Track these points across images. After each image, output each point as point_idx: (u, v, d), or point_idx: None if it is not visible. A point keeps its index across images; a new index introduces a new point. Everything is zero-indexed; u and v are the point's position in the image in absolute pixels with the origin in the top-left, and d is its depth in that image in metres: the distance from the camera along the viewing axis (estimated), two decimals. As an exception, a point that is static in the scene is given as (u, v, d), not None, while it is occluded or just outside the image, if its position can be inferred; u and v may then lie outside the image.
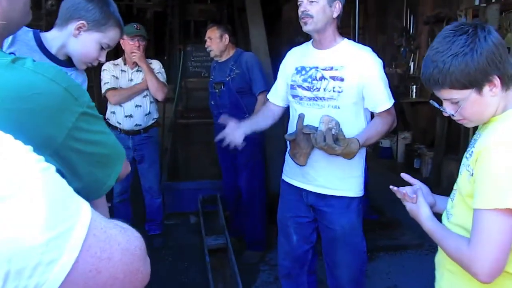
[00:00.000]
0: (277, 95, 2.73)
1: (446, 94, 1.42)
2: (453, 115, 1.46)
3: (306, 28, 2.36)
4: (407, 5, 7.74)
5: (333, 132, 2.17)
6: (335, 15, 2.36)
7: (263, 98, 3.91)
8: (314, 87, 2.41)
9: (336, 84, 2.35)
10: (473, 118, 1.46)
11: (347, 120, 2.33)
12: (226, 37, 3.97)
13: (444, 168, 6.10)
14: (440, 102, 1.52)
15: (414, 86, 7.09)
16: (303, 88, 2.45)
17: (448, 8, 6.62)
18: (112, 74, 3.98)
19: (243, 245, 4.20)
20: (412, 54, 7.59)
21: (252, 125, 2.72)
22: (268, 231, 4.24)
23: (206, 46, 4.05)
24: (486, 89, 1.38)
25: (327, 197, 2.47)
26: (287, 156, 2.58)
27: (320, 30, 2.37)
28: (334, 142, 2.15)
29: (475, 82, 1.37)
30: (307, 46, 2.55)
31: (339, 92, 2.34)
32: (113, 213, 4.07)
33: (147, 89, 3.98)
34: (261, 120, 2.79)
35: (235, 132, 2.60)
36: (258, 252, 4.14)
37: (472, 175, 1.40)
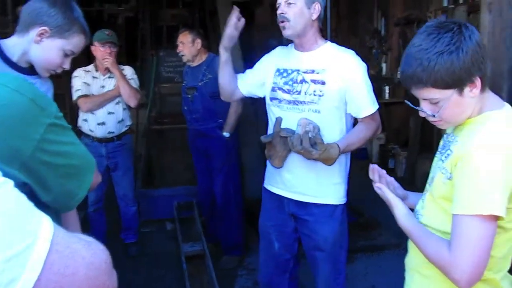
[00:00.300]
0: (244, 82, 2.63)
1: (427, 93, 1.38)
2: (432, 116, 1.42)
3: (285, 33, 2.29)
4: (378, 7, 7.82)
5: (310, 136, 2.11)
6: (314, 17, 2.29)
7: (237, 102, 3.90)
8: (294, 90, 2.34)
9: (317, 87, 2.28)
10: (451, 120, 1.43)
11: (328, 125, 2.27)
12: (198, 41, 3.95)
13: (418, 168, 6.17)
14: (415, 102, 1.49)
15: (387, 87, 7.15)
16: (283, 91, 2.39)
17: (418, 10, 6.72)
18: (83, 81, 3.90)
19: (220, 251, 4.17)
20: (384, 56, 7.68)
21: (225, 65, 2.66)
22: (246, 236, 4.23)
23: (178, 51, 4.02)
24: (467, 89, 1.36)
25: (308, 206, 2.40)
26: (267, 164, 2.52)
27: (300, 34, 2.30)
28: (311, 146, 2.09)
29: (459, 82, 1.34)
30: (290, 48, 2.48)
31: (319, 96, 2.27)
32: (88, 223, 4.01)
33: (120, 95, 3.91)
34: (227, 77, 2.70)
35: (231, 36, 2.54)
36: (235, 256, 4.12)
37: (449, 178, 1.39)
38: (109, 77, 3.95)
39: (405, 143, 6.78)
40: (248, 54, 6.40)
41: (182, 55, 4.01)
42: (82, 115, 3.94)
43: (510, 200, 1.32)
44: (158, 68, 6.94)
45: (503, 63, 2.31)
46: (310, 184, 2.37)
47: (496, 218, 1.29)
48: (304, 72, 2.34)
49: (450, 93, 1.35)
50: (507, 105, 1.45)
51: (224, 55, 2.59)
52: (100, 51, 3.83)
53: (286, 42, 4.73)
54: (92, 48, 3.82)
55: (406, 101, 1.56)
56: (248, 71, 2.68)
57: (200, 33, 4.07)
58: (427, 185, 1.57)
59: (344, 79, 2.26)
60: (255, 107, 4.23)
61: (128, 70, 4.06)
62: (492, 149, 1.30)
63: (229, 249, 4.13)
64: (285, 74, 2.41)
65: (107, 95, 3.90)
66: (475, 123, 1.40)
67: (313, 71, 2.32)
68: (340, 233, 2.45)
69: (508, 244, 1.43)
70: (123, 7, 7.71)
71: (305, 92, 2.31)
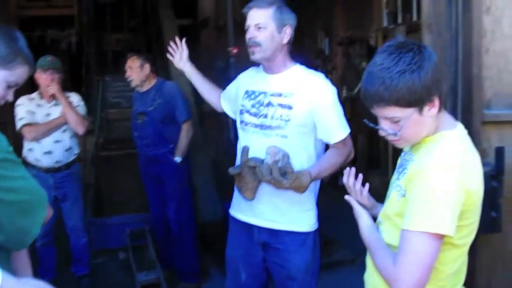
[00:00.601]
0: (225, 98, 2.63)
1: (388, 112, 1.39)
2: (393, 134, 1.43)
3: (254, 57, 2.23)
4: (321, 27, 8.01)
5: (279, 165, 2.04)
6: (285, 41, 2.26)
7: (187, 126, 3.88)
8: (261, 114, 2.27)
9: (283, 112, 2.20)
10: (410, 138, 1.45)
11: (295, 150, 2.19)
12: (147, 66, 3.92)
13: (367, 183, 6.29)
14: (374, 121, 1.50)
15: (333, 105, 7.30)
16: (250, 114, 2.31)
17: (360, 30, 6.93)
18: (27, 109, 3.75)
19: (176, 277, 4.08)
20: (329, 75, 7.85)
21: (198, 83, 2.68)
22: (201, 261, 4.17)
23: (126, 76, 3.98)
24: (426, 109, 1.38)
25: (279, 233, 2.30)
26: (235, 189, 2.41)
27: (270, 58, 2.25)
28: (281, 176, 2.01)
29: (420, 101, 1.36)
30: (259, 69, 2.41)
31: (286, 120, 2.19)
32: (37, 257, 3.84)
33: (66, 123, 3.79)
34: (206, 91, 2.71)
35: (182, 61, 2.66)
36: (192, 284, 4.05)
37: (403, 196, 1.42)
38: (55, 104, 3.83)
39: (354, 160, 6.90)
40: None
41: (131, 80, 3.97)
42: (27, 145, 3.78)
43: (461, 219, 1.36)
44: (104, 94, 6.81)
45: (444, 81, 2.40)
46: (281, 211, 2.28)
47: (443, 236, 1.33)
48: (271, 95, 2.26)
49: (411, 112, 1.37)
50: (459, 124, 1.52)
51: (184, 70, 2.61)
52: (43, 78, 3.72)
53: (234, 64, 4.78)
54: (35, 75, 3.71)
55: (365, 120, 1.56)
56: (228, 87, 2.64)
57: (149, 58, 4.05)
58: (384, 205, 1.60)
59: (313, 102, 2.19)
60: (202, 129, 4.21)
61: (75, 97, 3.95)
62: (447, 168, 1.34)
63: (185, 276, 4.06)
64: (252, 96, 2.34)
65: (53, 123, 3.77)
66: (432, 142, 1.44)
67: (280, 95, 2.24)
68: (312, 261, 2.36)
69: (460, 259, 1.47)
70: (66, 32, 7.54)
71: (272, 116, 2.23)
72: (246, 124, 2.33)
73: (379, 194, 5.80)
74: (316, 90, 2.23)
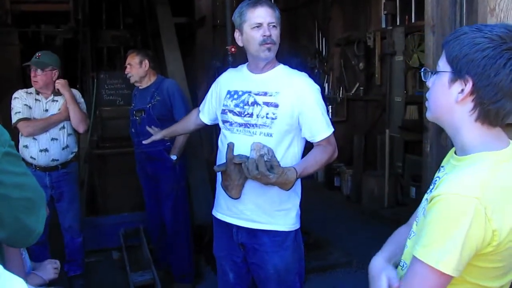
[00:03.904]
0: (205, 113, 2.63)
1: (440, 60, 1.33)
2: (427, 86, 1.37)
3: (268, 55, 2.25)
4: (318, 28, 7.99)
5: (265, 159, 2.02)
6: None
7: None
8: (246, 113, 2.28)
9: (270, 110, 2.22)
10: (431, 105, 1.37)
11: (280, 149, 2.21)
12: (146, 63, 3.89)
13: (363, 185, 6.29)
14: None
15: (330, 106, 7.28)
16: (234, 113, 2.32)
17: (358, 31, 6.92)
18: (24, 103, 3.67)
19: (170, 278, 4.04)
20: (326, 76, 7.83)
21: (170, 132, 2.98)
22: (196, 262, 4.13)
23: (126, 72, 3.96)
24: (457, 85, 1.28)
25: (257, 234, 2.31)
26: (217, 189, 2.42)
27: (274, 57, 2.31)
28: (268, 170, 2.01)
29: (458, 66, 1.26)
30: (241, 69, 2.43)
31: (272, 119, 2.21)
32: (30, 256, 3.77)
33: (65, 120, 3.73)
34: (180, 129, 2.98)
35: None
36: (187, 284, 4.01)
37: (424, 214, 1.32)
38: (53, 100, 3.76)
39: (350, 161, 6.90)
40: (191, 74, 6.38)
41: (130, 76, 3.94)
42: (22, 141, 3.67)
43: (485, 260, 1.24)
44: (99, 91, 6.75)
45: (506, 98, 2.37)
46: (261, 210, 2.28)
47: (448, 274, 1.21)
48: (256, 94, 2.28)
49: (447, 73, 1.29)
50: (510, 146, 1.32)
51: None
52: (42, 75, 3.65)
53: (231, 63, 4.75)
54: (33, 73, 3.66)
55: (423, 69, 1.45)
56: (204, 101, 2.67)
57: (149, 54, 4.02)
58: (411, 231, 1.45)
59: (298, 101, 2.22)
60: (199, 131, 4.17)
61: (76, 93, 3.89)
62: (466, 200, 1.19)
63: (180, 277, 4.02)
64: (235, 96, 2.35)
65: (51, 119, 3.69)
66: (466, 161, 1.30)
67: (265, 93, 2.26)
68: (294, 261, 2.35)
69: None
70: (61, 28, 7.47)
71: (257, 115, 2.25)
72: (231, 124, 2.34)
73: (374, 194, 5.83)
74: (301, 89, 2.26)
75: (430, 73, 1.37)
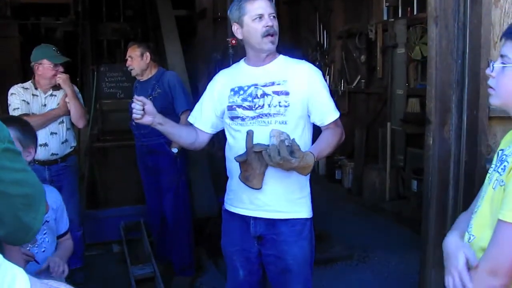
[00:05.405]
0: (202, 121, 2.47)
1: (506, 48, 1.38)
2: (492, 77, 1.42)
3: (271, 47, 2.26)
4: (319, 20, 7.96)
5: (286, 144, 2.02)
6: None
7: (186, 117, 3.82)
8: (256, 106, 2.26)
9: (281, 98, 2.23)
10: (499, 92, 1.43)
11: (294, 135, 2.18)
12: (148, 55, 3.88)
13: (364, 178, 6.28)
14: None
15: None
16: (244, 108, 2.29)
17: (359, 23, 6.88)
18: (22, 99, 3.65)
19: (171, 271, 4.03)
20: (327, 68, 7.81)
21: (174, 128, 2.43)
22: (197, 255, 4.12)
23: (127, 65, 3.94)
24: None
25: (276, 224, 2.29)
26: (229, 184, 2.40)
27: (275, 48, 2.31)
28: (289, 155, 2.01)
29: None
30: (238, 66, 2.42)
31: (285, 106, 2.22)
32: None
33: (64, 115, 3.72)
34: (184, 133, 2.47)
35: (149, 114, 2.31)
36: (187, 277, 4.00)
37: (502, 185, 1.37)
38: (51, 95, 3.75)
39: (351, 154, 6.89)
40: (191, 66, 6.35)
41: (131, 69, 3.93)
42: (21, 136, 3.69)
43: None
44: (99, 84, 6.73)
45: (451, 74, 2.35)
46: (281, 199, 2.27)
47: None
48: (263, 86, 2.27)
49: None
50: None
51: (161, 128, 2.39)
52: (49, 69, 3.63)
53: (232, 56, 4.73)
54: (38, 66, 3.62)
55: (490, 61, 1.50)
56: (197, 109, 2.52)
57: (150, 46, 4.00)
58: (477, 205, 1.50)
59: (305, 87, 2.26)
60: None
61: (75, 88, 3.88)
62: None
63: (180, 270, 4.01)
64: (241, 92, 2.32)
65: (50, 114, 3.68)
66: None
67: (273, 83, 2.26)
68: (309, 252, 2.37)
69: None
70: (61, 21, 7.45)
71: (269, 105, 2.24)
72: (243, 119, 2.29)
73: (375, 187, 5.80)
74: (308, 75, 2.30)
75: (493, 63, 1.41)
